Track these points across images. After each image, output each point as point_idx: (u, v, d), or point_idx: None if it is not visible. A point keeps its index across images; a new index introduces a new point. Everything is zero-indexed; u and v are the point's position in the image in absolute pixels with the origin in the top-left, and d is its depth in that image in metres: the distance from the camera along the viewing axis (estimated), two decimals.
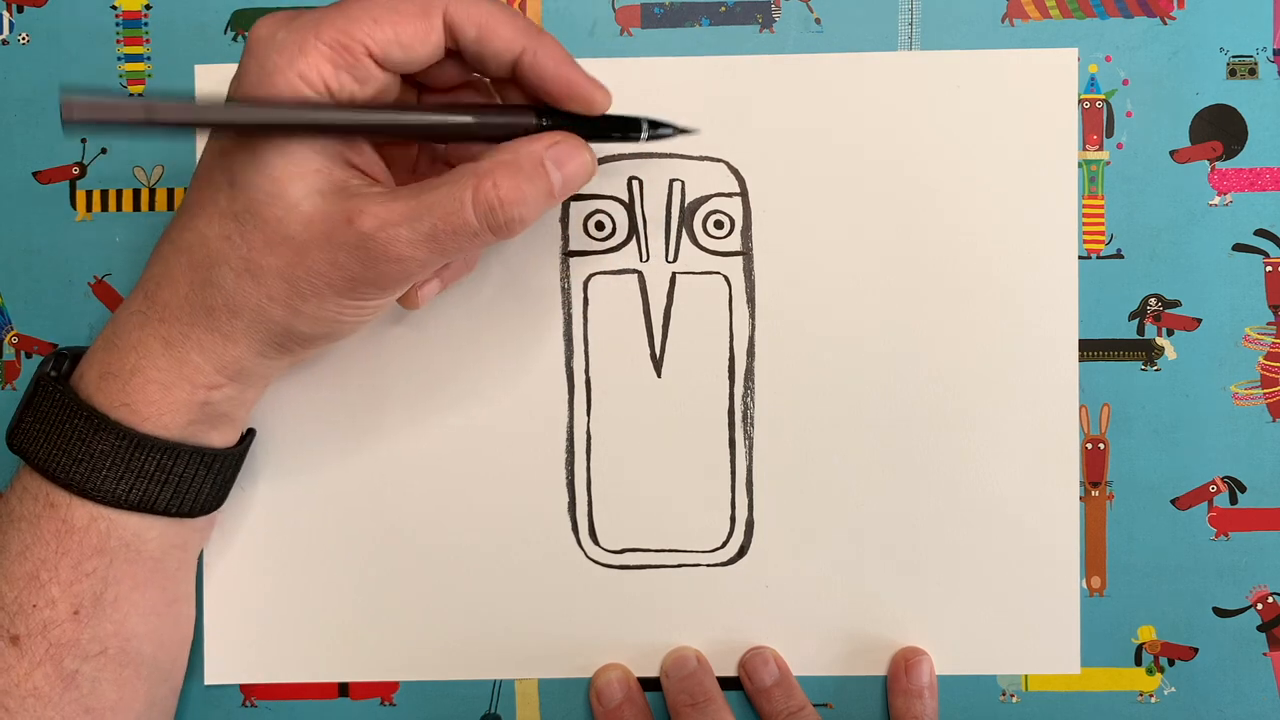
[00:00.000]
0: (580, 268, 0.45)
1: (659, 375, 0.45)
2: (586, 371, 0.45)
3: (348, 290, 0.37)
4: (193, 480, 0.39)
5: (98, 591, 0.38)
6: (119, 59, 0.45)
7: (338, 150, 0.36)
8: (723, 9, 0.45)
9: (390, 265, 0.36)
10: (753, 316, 0.45)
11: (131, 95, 0.35)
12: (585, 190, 0.43)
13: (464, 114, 0.37)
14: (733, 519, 0.45)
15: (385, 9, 0.36)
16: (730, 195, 0.45)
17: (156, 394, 0.38)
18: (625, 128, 0.39)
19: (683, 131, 0.40)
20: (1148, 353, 0.45)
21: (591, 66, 0.44)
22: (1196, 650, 0.45)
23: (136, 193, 0.45)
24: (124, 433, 0.37)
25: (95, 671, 0.39)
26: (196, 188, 0.37)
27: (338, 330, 0.38)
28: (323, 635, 0.45)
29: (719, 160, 0.45)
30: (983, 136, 0.44)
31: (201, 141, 0.41)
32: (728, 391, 0.45)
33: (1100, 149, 0.45)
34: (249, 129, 0.35)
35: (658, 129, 0.40)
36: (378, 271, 0.36)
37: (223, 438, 0.40)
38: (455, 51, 0.38)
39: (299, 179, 0.35)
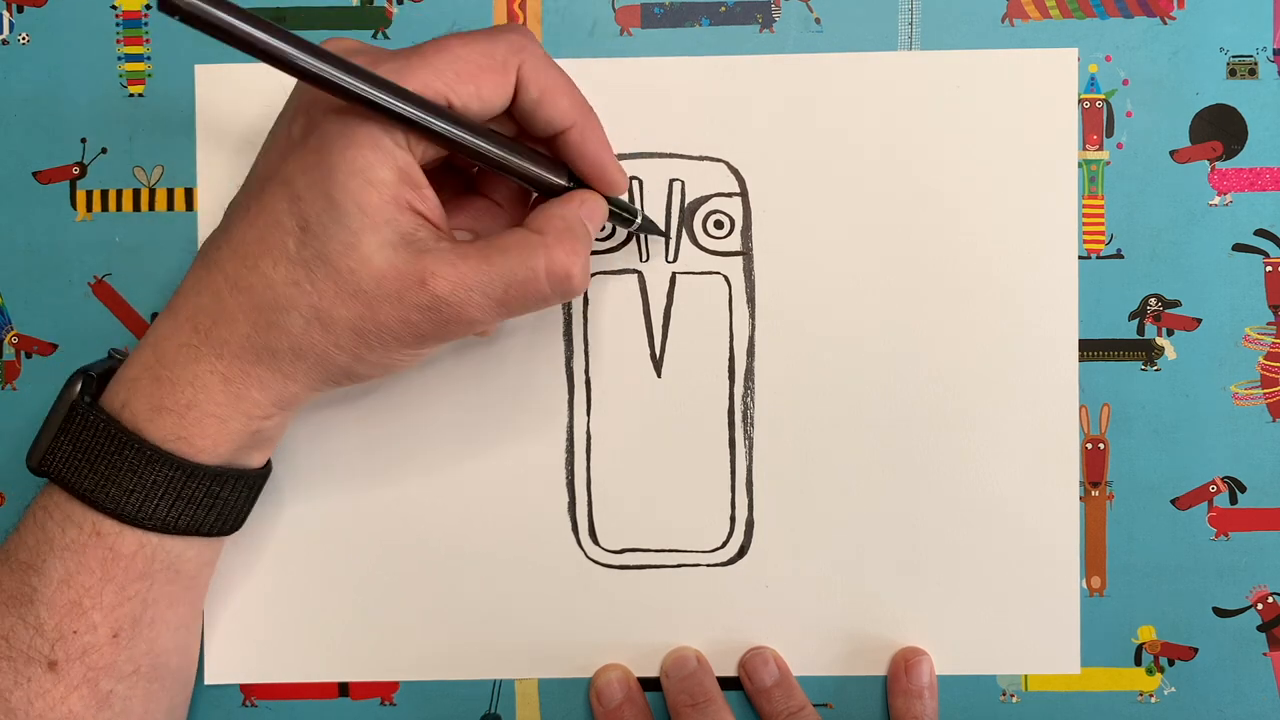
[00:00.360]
0: None
1: (659, 375, 0.45)
2: (586, 371, 0.45)
3: (414, 343, 0.38)
4: (235, 501, 0.40)
5: (137, 614, 0.39)
6: (119, 59, 0.45)
7: (404, 199, 0.36)
8: (723, 9, 0.45)
9: (459, 326, 0.37)
10: (753, 316, 0.45)
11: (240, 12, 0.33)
12: None
13: (524, 157, 0.39)
14: (733, 519, 0.45)
15: (469, 64, 0.37)
16: (730, 195, 0.45)
17: (213, 427, 0.38)
18: (625, 213, 0.42)
19: (661, 233, 0.44)
20: (1148, 353, 0.45)
21: (591, 66, 0.44)
22: (1196, 650, 0.45)
23: (136, 193, 0.45)
24: (178, 464, 0.38)
25: (128, 690, 0.39)
26: (256, 227, 0.37)
27: (394, 371, 0.39)
28: (323, 635, 0.45)
29: (719, 160, 0.45)
30: (983, 136, 0.44)
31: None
32: (728, 391, 0.45)
33: (1100, 149, 0.45)
34: (352, 95, 0.35)
35: (647, 223, 0.44)
36: (446, 329, 0.37)
37: (261, 457, 0.41)
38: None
39: (371, 230, 0.36)
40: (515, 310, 0.38)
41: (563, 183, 0.40)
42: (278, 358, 0.37)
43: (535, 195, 0.41)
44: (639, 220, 0.43)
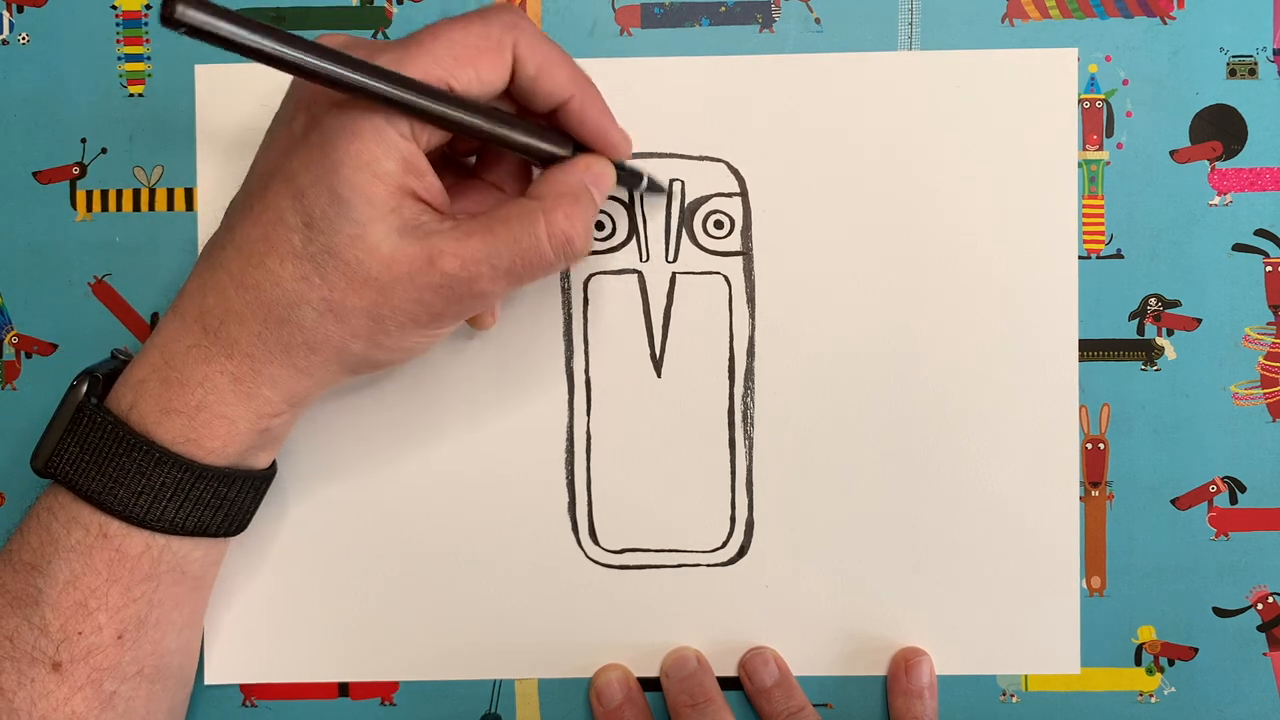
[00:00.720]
0: (580, 268, 0.45)
1: (659, 375, 0.45)
2: (586, 371, 0.45)
3: (429, 323, 0.38)
4: (242, 502, 0.40)
5: (143, 615, 0.39)
6: (119, 59, 0.45)
7: (409, 187, 0.36)
8: (723, 9, 0.45)
9: (473, 300, 0.38)
10: (753, 316, 0.45)
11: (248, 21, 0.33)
12: None
13: (528, 133, 0.39)
14: (733, 519, 0.45)
15: (466, 47, 0.37)
16: (730, 195, 0.45)
17: (223, 428, 0.38)
18: (631, 175, 0.42)
19: (663, 190, 0.45)
20: (1148, 353, 0.45)
21: (591, 66, 0.44)
22: (1196, 650, 0.45)
23: (136, 193, 0.45)
24: (187, 466, 0.38)
25: (131, 690, 0.39)
26: (260, 224, 0.37)
27: (412, 355, 0.40)
28: (323, 635, 0.45)
29: (719, 160, 0.45)
30: (983, 136, 0.45)
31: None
32: (728, 391, 0.45)
33: (1100, 149, 0.45)
34: (355, 88, 0.35)
35: (652, 184, 0.44)
36: (460, 306, 0.38)
37: (267, 458, 0.41)
38: None
39: (378, 220, 0.36)
40: (525, 279, 0.38)
41: (567, 153, 0.40)
42: (291, 353, 0.37)
43: (540, 172, 0.41)
44: (645, 181, 0.43)
